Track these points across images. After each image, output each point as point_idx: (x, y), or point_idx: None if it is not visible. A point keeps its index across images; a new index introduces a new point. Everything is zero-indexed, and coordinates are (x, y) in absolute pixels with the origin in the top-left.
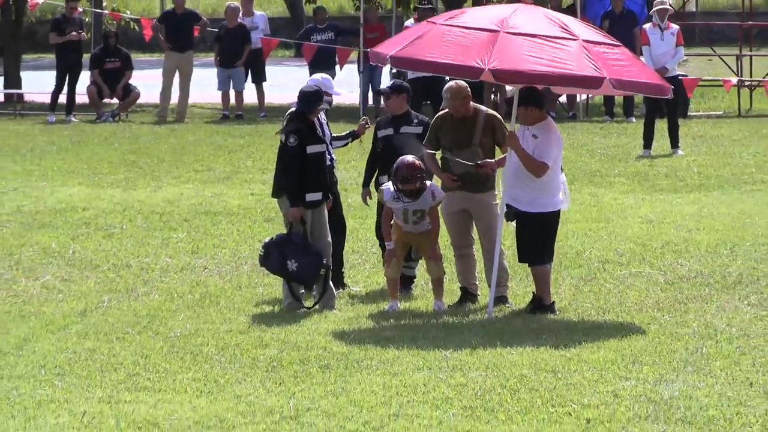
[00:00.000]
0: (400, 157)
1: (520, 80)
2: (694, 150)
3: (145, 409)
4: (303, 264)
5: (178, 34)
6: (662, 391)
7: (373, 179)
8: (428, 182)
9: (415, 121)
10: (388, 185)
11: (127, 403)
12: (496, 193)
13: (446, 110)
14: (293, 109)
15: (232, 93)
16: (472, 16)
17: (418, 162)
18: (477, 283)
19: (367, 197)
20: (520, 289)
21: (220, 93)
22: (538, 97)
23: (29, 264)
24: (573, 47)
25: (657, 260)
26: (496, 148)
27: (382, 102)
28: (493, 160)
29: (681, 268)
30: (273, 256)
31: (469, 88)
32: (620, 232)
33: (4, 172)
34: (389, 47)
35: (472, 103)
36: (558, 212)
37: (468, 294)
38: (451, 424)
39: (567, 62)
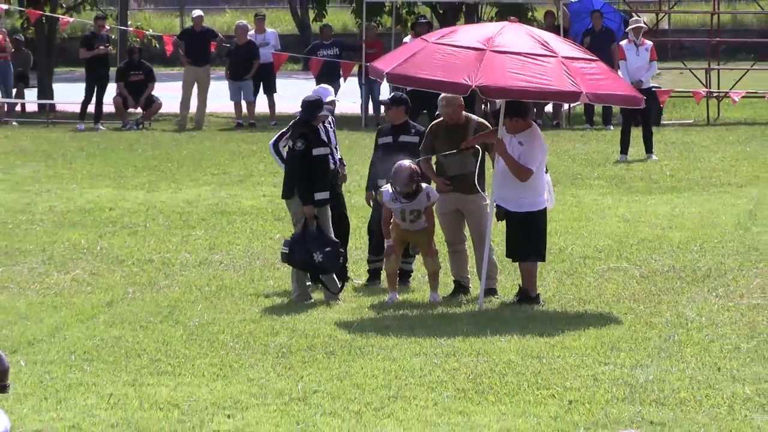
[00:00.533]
0: (398, 162)
1: (505, 95)
2: (666, 155)
3: (166, 392)
4: (326, 255)
5: (197, 50)
6: (638, 375)
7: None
8: (424, 185)
9: (413, 131)
10: (387, 187)
11: (149, 386)
12: (485, 194)
13: (441, 119)
14: (298, 116)
15: (243, 103)
16: (461, 35)
17: (414, 166)
18: (469, 276)
19: (371, 199)
20: (509, 282)
21: (233, 103)
22: (523, 108)
23: (60, 259)
24: (553, 64)
25: (633, 256)
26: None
27: (382, 111)
28: (472, 138)
29: (655, 263)
30: (298, 253)
31: (461, 98)
32: (599, 230)
33: (38, 176)
34: (386, 63)
35: (464, 112)
36: (543, 211)
37: (460, 286)
38: (446, 405)
39: (547, 78)
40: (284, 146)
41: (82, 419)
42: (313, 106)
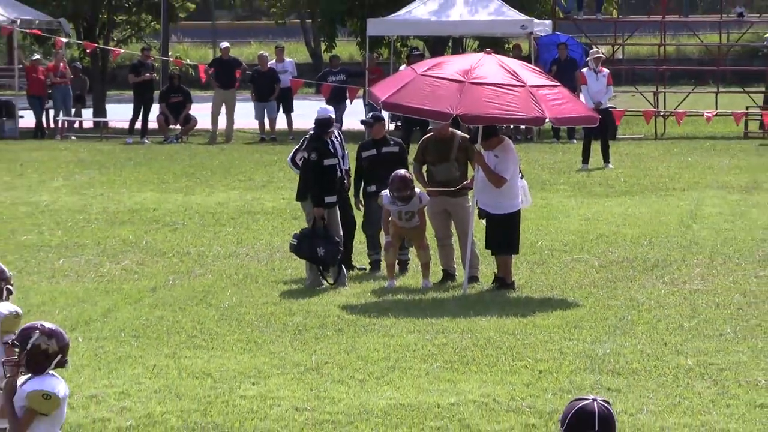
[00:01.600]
0: (395, 172)
1: (481, 122)
2: (621, 164)
3: (201, 363)
4: (328, 250)
5: (224, 76)
6: (597, 349)
7: (361, 189)
8: (417, 190)
9: (392, 142)
10: (386, 192)
11: (187, 358)
12: (469, 197)
13: (430, 134)
14: (311, 132)
15: (266, 121)
16: (445, 67)
17: (408, 175)
18: (455, 266)
19: (360, 204)
20: (489, 271)
21: (257, 121)
22: (494, 129)
23: (112, 251)
24: (521, 92)
25: (593, 249)
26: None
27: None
28: (467, 181)
29: (611, 255)
30: (304, 246)
31: None
32: (564, 227)
33: (93, 182)
34: (383, 91)
35: (450, 128)
36: (518, 212)
37: (448, 275)
38: (436, 374)
39: (516, 106)
40: (300, 158)
41: (130, 386)
42: (324, 124)
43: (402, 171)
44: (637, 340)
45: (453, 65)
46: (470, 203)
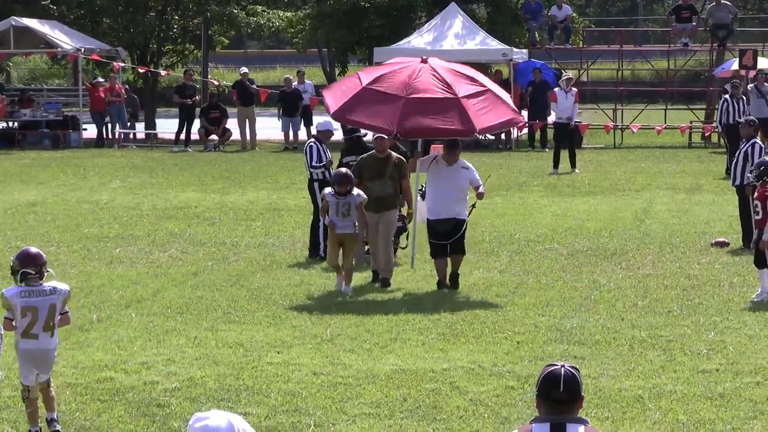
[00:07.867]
0: (337, 170)
1: (416, 136)
2: (585, 169)
3: (234, 335)
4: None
5: (245, 95)
6: (565, 323)
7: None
8: (355, 191)
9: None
10: (329, 189)
11: (223, 331)
12: (396, 211)
13: (371, 153)
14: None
15: (290, 133)
16: (386, 82)
17: (348, 174)
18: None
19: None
20: (467, 268)
21: (283, 133)
22: (457, 141)
23: (161, 242)
24: (453, 105)
25: (562, 239)
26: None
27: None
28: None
29: (577, 245)
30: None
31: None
32: (538, 222)
33: (145, 183)
34: (334, 100)
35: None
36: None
37: (376, 275)
38: (431, 344)
39: (448, 120)
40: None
41: (175, 354)
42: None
43: (343, 169)
44: (599, 316)
45: (395, 78)
46: (398, 216)
